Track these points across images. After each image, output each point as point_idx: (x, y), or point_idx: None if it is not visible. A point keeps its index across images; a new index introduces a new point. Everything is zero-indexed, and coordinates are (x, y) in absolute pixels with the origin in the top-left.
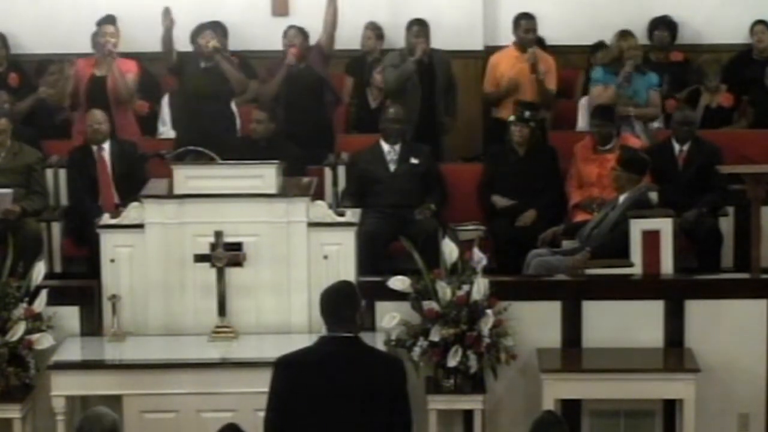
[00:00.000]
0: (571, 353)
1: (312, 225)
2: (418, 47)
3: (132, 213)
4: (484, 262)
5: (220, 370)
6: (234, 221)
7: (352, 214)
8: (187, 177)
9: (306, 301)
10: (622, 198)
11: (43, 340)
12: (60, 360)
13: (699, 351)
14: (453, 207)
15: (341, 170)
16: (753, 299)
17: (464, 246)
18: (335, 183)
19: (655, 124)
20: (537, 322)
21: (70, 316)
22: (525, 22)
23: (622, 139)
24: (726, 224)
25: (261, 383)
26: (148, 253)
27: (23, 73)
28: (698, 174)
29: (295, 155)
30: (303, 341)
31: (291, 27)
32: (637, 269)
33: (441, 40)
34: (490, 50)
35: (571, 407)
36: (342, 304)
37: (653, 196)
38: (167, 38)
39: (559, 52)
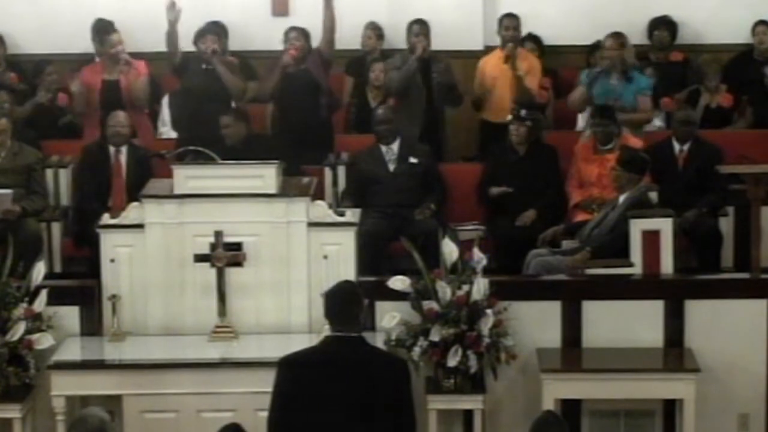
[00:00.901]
0: (571, 353)
1: (312, 225)
2: (419, 45)
3: (132, 213)
4: (484, 262)
5: (220, 370)
6: (234, 221)
7: (352, 214)
8: (187, 177)
9: (306, 301)
10: (622, 198)
11: (43, 340)
12: (60, 360)
13: (699, 351)
14: (453, 207)
15: (341, 170)
16: (753, 299)
17: (464, 246)
18: (335, 183)
19: (657, 123)
20: (537, 322)
21: (70, 316)
22: (507, 20)
23: (623, 139)
24: (726, 224)
25: (261, 383)
26: (148, 253)
27: (22, 72)
28: (698, 174)
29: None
30: (303, 341)
31: (292, 29)
32: (637, 269)
33: (441, 40)
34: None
35: (571, 407)
36: (346, 305)
37: (653, 196)
38: (172, 33)
39: (558, 52)
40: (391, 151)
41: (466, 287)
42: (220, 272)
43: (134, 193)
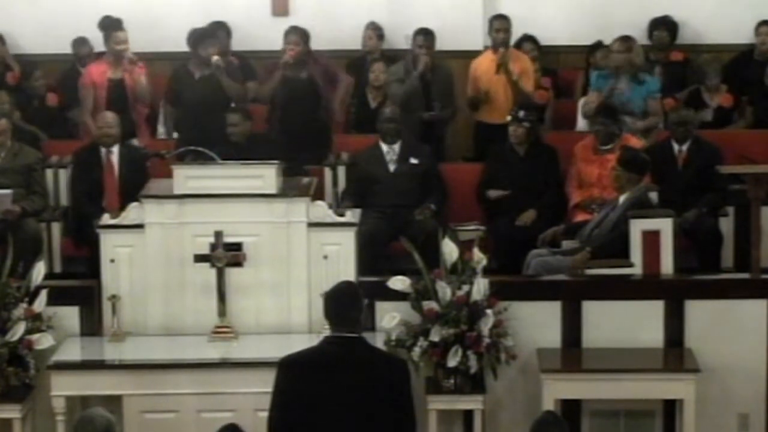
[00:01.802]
0: (571, 353)
1: (312, 225)
2: (422, 59)
3: (132, 213)
4: (484, 262)
5: (220, 370)
6: (234, 221)
7: (352, 214)
8: (187, 177)
9: (306, 301)
10: (622, 198)
11: (43, 340)
12: (60, 360)
13: (699, 351)
14: (453, 207)
15: (341, 170)
16: (753, 299)
17: (464, 246)
18: (335, 183)
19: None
20: (537, 322)
21: (70, 316)
22: (497, 22)
23: (623, 139)
24: (726, 224)
25: (261, 383)
26: (148, 253)
27: (22, 72)
28: (698, 174)
29: (278, 155)
30: (303, 341)
31: (291, 30)
32: (637, 269)
33: (441, 40)
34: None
35: (571, 407)
36: (346, 305)
37: (653, 196)
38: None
39: (559, 52)
40: (393, 151)
41: (466, 287)
42: (220, 272)
43: (128, 193)
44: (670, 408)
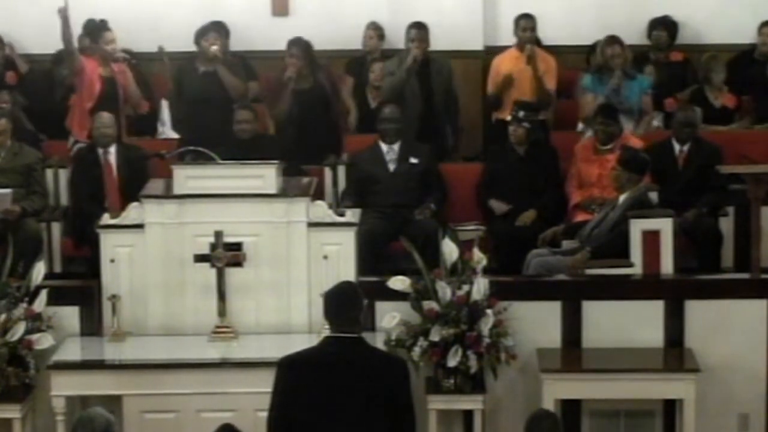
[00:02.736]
0: (571, 353)
1: (312, 225)
2: (413, 51)
3: (132, 213)
4: (484, 262)
5: (220, 370)
6: (234, 221)
7: (352, 214)
8: (187, 177)
9: (306, 301)
10: (622, 198)
11: (43, 340)
12: (60, 360)
13: (699, 351)
14: (453, 207)
15: (341, 170)
16: (753, 299)
17: (464, 246)
18: (335, 183)
19: (656, 123)
20: (537, 322)
21: (70, 316)
22: (523, 21)
23: (623, 139)
24: (726, 224)
25: (261, 383)
26: (148, 253)
27: (21, 71)
28: (698, 174)
29: (283, 154)
30: (303, 341)
31: (293, 44)
32: (637, 269)
33: (441, 40)
34: (490, 50)
35: (571, 407)
36: (346, 305)
37: (653, 196)
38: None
39: (559, 52)
40: (392, 150)
41: (466, 287)
42: (220, 272)
43: (128, 192)
44: (670, 408)
